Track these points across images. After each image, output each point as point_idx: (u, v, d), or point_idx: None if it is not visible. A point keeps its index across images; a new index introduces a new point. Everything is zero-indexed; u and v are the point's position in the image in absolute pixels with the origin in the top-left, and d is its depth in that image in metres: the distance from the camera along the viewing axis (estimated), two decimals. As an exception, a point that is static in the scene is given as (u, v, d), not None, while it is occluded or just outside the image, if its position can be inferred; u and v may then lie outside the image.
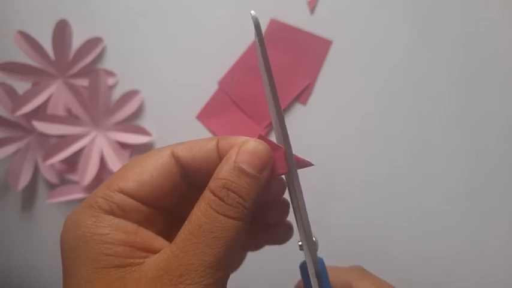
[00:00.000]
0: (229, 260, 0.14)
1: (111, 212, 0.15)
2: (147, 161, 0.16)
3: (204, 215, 0.15)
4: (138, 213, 0.15)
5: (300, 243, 0.17)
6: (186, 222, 0.15)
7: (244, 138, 0.16)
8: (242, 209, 0.15)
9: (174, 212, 0.16)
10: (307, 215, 0.17)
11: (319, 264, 0.18)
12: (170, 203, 0.16)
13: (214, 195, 0.15)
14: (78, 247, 0.14)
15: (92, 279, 0.14)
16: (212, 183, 0.15)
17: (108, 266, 0.14)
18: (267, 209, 0.18)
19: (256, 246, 0.20)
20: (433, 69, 0.34)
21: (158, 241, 0.15)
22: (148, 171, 0.16)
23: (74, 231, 0.15)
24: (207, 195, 0.15)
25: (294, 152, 0.17)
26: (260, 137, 0.17)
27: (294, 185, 0.17)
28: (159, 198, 0.16)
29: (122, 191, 0.15)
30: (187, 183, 0.17)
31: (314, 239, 0.17)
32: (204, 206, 0.15)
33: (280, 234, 0.19)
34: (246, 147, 0.15)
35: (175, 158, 0.16)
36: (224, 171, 0.15)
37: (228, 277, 0.15)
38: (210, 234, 0.14)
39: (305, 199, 0.17)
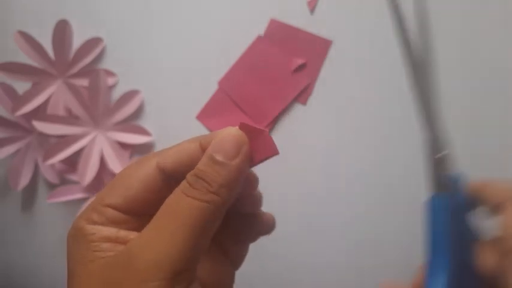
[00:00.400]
0: (194, 247, 0.15)
1: (102, 224, 0.17)
2: (132, 176, 0.17)
3: (173, 196, 0.16)
4: (128, 224, 0.17)
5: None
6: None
7: (224, 129, 0.17)
8: (207, 193, 0.15)
9: None
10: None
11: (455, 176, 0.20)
12: (156, 211, 0.17)
13: (186, 182, 0.16)
14: (72, 247, 0.17)
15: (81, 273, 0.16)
16: (188, 174, 0.16)
17: (94, 259, 0.16)
18: (242, 200, 0.19)
19: (246, 237, 0.21)
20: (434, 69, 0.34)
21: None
22: (134, 187, 0.17)
23: (71, 235, 0.17)
24: (181, 183, 0.16)
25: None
26: (241, 125, 0.17)
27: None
28: (146, 209, 0.17)
29: (111, 206, 0.17)
30: (174, 188, 0.17)
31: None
32: (176, 191, 0.16)
33: (260, 222, 0.20)
34: (217, 137, 0.16)
35: (160, 169, 0.17)
36: (200, 162, 0.16)
37: (194, 272, 0.16)
38: (174, 215, 0.15)
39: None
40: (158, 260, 0.15)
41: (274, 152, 0.17)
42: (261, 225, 0.20)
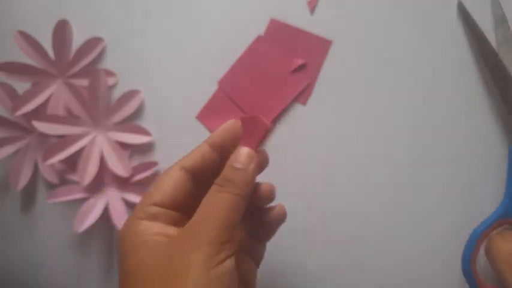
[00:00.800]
0: (231, 221, 0.22)
1: (147, 219, 0.23)
2: (164, 180, 0.24)
3: (209, 195, 0.22)
4: (166, 217, 0.23)
5: None
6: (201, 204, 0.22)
7: (225, 125, 0.25)
8: (235, 188, 0.22)
9: (191, 212, 0.23)
10: None
11: None
12: (187, 205, 0.24)
13: (216, 185, 0.23)
14: (127, 243, 0.22)
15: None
16: (216, 180, 0.23)
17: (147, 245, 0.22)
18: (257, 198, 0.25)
19: (262, 227, 0.26)
20: (435, 69, 0.34)
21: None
22: (167, 187, 0.24)
23: (123, 238, 0.23)
24: (212, 186, 0.23)
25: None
26: (241, 118, 0.24)
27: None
28: (178, 203, 0.24)
29: (153, 204, 0.23)
30: (197, 186, 0.25)
31: None
32: (210, 192, 0.23)
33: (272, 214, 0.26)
34: (236, 153, 0.24)
35: (183, 170, 0.24)
36: (224, 170, 0.23)
37: (235, 244, 0.22)
38: (214, 205, 0.22)
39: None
40: (208, 233, 0.21)
41: (266, 126, 0.24)
42: (273, 216, 0.26)
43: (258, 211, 0.26)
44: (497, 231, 0.32)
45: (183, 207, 0.24)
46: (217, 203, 0.22)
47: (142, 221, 0.23)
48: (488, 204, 0.33)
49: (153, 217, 0.23)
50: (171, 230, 0.23)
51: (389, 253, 0.34)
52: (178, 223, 0.23)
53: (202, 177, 0.25)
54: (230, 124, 0.25)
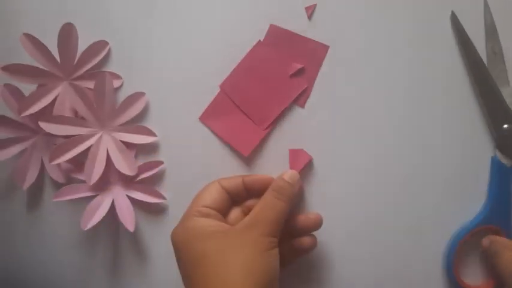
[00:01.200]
0: (280, 222, 0.30)
1: (202, 216, 0.31)
2: (209, 190, 0.33)
3: (267, 200, 0.30)
4: (215, 215, 0.31)
5: None
6: (257, 205, 0.30)
7: (262, 177, 0.34)
8: (287, 197, 0.31)
9: (226, 213, 0.33)
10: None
11: None
12: (224, 208, 0.33)
13: (273, 191, 0.31)
14: (188, 235, 0.30)
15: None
16: (272, 186, 0.31)
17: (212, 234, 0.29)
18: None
19: (291, 253, 0.34)
20: (430, 73, 0.35)
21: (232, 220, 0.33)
22: (212, 194, 0.32)
23: (186, 231, 0.30)
24: (269, 191, 0.31)
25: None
26: (290, 150, 0.36)
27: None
28: (219, 206, 0.32)
29: (204, 206, 0.31)
30: (229, 197, 0.33)
31: None
32: (267, 196, 0.31)
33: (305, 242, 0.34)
34: (288, 171, 0.33)
35: (222, 187, 0.33)
36: (279, 181, 0.32)
37: (278, 237, 0.30)
38: (272, 208, 0.30)
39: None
40: (265, 227, 0.28)
41: (309, 158, 0.36)
42: (309, 223, 0.34)
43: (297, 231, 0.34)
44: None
45: (222, 210, 0.32)
46: (275, 207, 0.30)
47: (199, 218, 0.30)
48: (472, 210, 0.35)
49: (206, 215, 0.31)
50: (220, 225, 0.30)
51: (378, 245, 0.36)
52: (221, 220, 0.31)
53: (232, 194, 0.33)
54: (265, 179, 0.33)
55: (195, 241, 0.28)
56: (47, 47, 0.36)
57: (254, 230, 0.28)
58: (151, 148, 0.38)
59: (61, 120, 0.36)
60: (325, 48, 0.36)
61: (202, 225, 0.29)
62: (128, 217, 0.36)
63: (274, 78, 0.37)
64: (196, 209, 0.31)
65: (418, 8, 0.35)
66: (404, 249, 0.36)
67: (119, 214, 0.36)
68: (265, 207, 0.29)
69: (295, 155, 0.36)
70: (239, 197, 0.33)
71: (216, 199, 0.32)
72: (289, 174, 0.32)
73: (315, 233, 0.34)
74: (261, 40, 0.37)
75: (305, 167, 0.35)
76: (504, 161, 0.34)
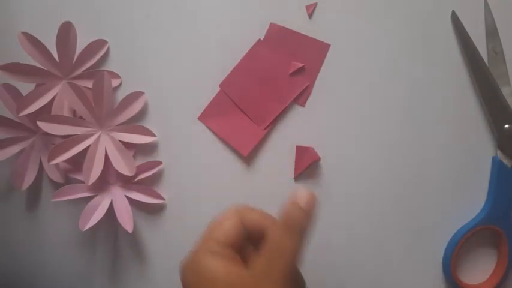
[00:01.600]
0: (296, 261, 0.25)
1: (212, 254, 0.26)
2: (229, 225, 0.27)
3: (279, 237, 0.25)
4: (228, 256, 0.26)
5: None
6: (267, 245, 0.25)
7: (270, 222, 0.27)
8: (300, 232, 0.25)
9: (240, 250, 0.27)
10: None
11: None
12: (239, 244, 0.27)
13: (286, 225, 0.25)
14: (202, 278, 0.25)
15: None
16: (284, 218, 0.26)
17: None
18: None
19: None
20: (431, 72, 0.35)
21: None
22: (231, 230, 0.27)
23: (196, 273, 0.26)
24: (280, 226, 0.26)
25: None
26: (296, 147, 0.35)
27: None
28: (237, 242, 0.27)
29: (219, 243, 0.26)
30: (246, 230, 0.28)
31: None
32: (278, 229, 0.26)
33: None
34: (302, 192, 0.26)
35: (242, 223, 0.27)
36: (290, 208, 0.26)
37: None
38: (286, 248, 0.25)
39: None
40: (282, 270, 0.24)
41: (316, 157, 0.35)
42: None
43: None
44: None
45: (237, 245, 0.27)
46: (288, 247, 0.25)
47: (211, 258, 0.25)
48: (472, 210, 0.35)
49: (220, 255, 0.26)
50: (232, 271, 0.25)
51: (377, 245, 0.36)
52: (235, 259, 0.26)
53: (250, 234, 0.28)
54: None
55: (205, 283, 0.25)
56: (45, 46, 0.36)
57: (272, 275, 0.25)
58: (150, 148, 0.37)
59: (59, 119, 0.36)
60: (325, 46, 0.36)
61: (216, 269, 0.25)
62: (126, 218, 0.36)
63: (274, 77, 0.36)
64: (210, 246, 0.26)
65: (418, 7, 0.35)
66: (405, 249, 0.36)
67: (117, 215, 0.36)
68: (278, 248, 0.25)
69: (301, 152, 0.34)
70: (257, 240, 0.28)
71: (231, 236, 0.27)
72: (306, 199, 0.26)
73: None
74: (261, 39, 0.36)
75: (309, 166, 0.35)
76: (505, 161, 0.34)
